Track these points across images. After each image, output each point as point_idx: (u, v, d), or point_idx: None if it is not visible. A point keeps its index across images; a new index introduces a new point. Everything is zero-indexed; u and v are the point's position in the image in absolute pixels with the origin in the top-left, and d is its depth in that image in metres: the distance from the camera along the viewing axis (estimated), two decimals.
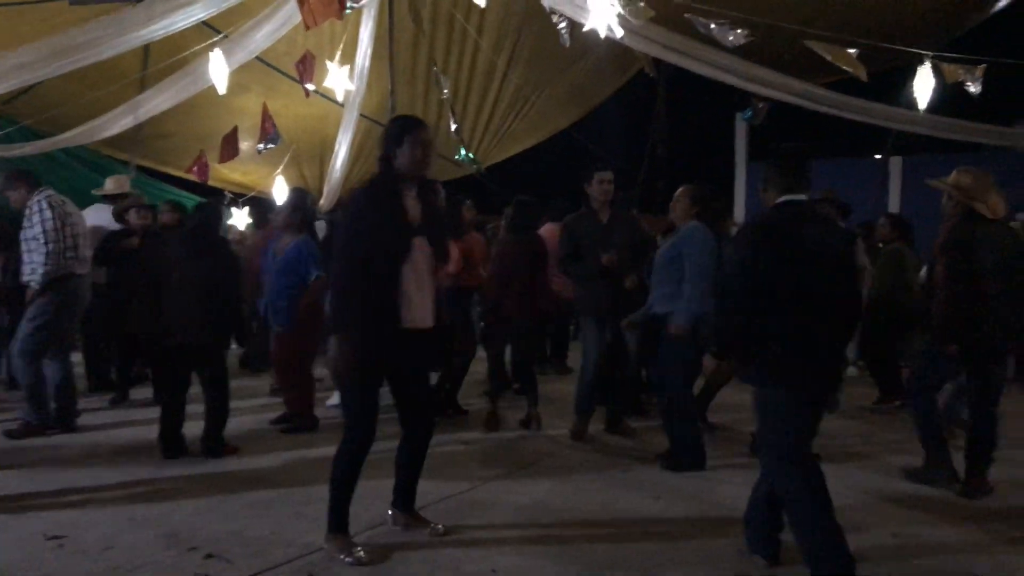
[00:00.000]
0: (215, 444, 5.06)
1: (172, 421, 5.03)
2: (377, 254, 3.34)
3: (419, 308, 3.45)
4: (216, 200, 6.04)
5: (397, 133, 3.52)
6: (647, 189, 11.00)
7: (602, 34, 7.52)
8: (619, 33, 7.35)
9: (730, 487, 4.40)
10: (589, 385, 5.50)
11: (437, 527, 3.74)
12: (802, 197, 3.26)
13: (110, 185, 7.19)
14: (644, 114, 11.62)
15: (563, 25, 8.04)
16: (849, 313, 3.29)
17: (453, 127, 10.32)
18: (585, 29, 7.74)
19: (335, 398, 6.36)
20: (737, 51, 7.42)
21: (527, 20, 9.58)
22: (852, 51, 6.42)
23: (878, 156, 11.97)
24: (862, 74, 6.69)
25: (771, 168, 3.34)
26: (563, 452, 5.27)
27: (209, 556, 3.44)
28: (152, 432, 5.10)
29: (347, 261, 3.37)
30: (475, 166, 11.18)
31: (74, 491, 4.31)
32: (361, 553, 3.41)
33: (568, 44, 8.23)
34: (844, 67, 6.54)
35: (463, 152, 10.95)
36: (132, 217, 6.61)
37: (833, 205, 6.38)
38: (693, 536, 3.77)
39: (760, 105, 10.06)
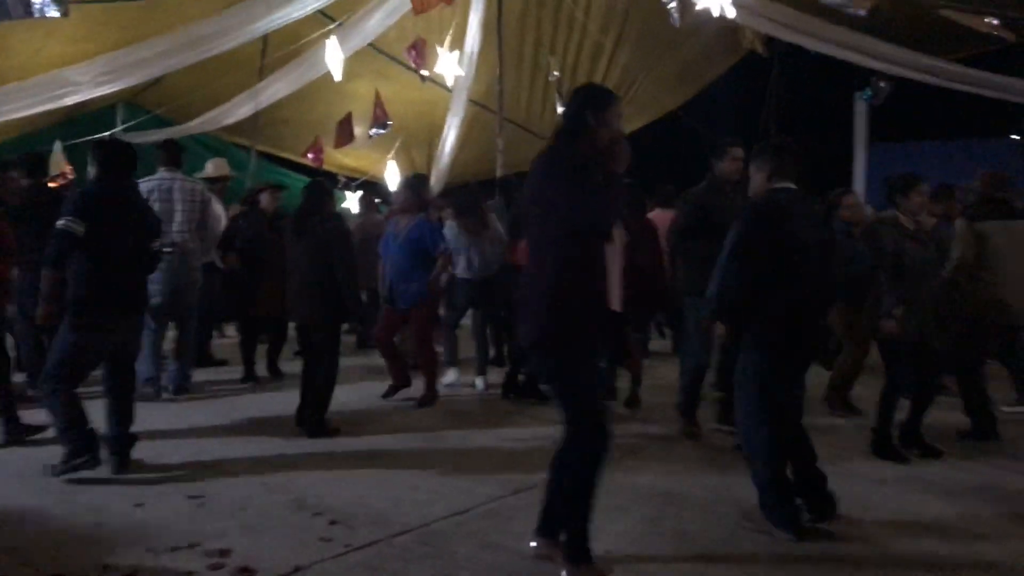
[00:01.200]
0: (317, 424, 5.08)
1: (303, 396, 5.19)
2: (595, 232, 3.03)
3: (615, 290, 3.14)
4: (323, 180, 6.13)
5: (595, 104, 3.08)
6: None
7: (715, 13, 7.35)
8: (731, 13, 7.16)
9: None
10: (693, 375, 5.14)
11: None
12: (791, 185, 3.65)
13: (210, 168, 7.46)
14: (756, 94, 11.26)
15: (673, 5, 7.90)
16: (828, 293, 3.83)
17: (560, 109, 10.28)
18: (697, 8, 7.58)
19: (451, 375, 6.50)
20: (859, 27, 7.11)
21: (635, 0, 9.45)
22: (994, 20, 5.99)
23: (1015, 137, 11.22)
24: (1009, 36, 6.23)
25: (769, 155, 3.72)
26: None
27: (333, 522, 3.58)
28: (276, 407, 5.32)
29: (569, 239, 2.97)
30: None
31: (210, 459, 4.57)
32: None
33: (679, 24, 8.08)
34: (992, 33, 6.08)
35: None
36: (264, 200, 6.86)
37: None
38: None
39: (881, 84, 9.61)
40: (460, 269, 6.39)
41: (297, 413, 5.21)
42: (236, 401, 6.05)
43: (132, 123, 10.11)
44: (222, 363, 7.33)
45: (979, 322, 5.08)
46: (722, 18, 7.23)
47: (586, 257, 2.98)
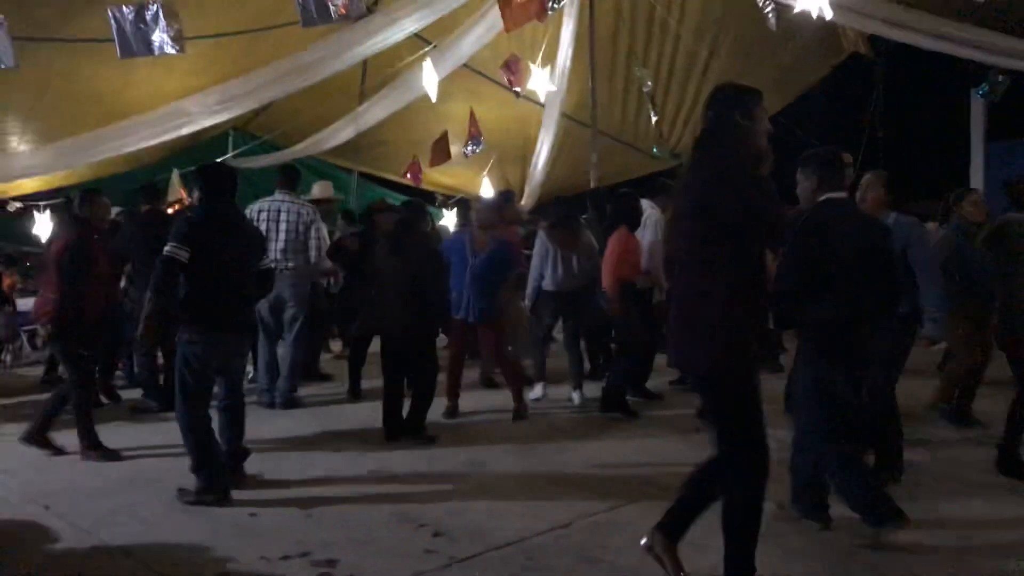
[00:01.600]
0: (418, 428, 5.32)
1: (391, 406, 5.38)
2: (778, 241, 3.03)
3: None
4: (420, 201, 6.32)
5: (743, 104, 2.89)
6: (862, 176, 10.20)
7: (814, 15, 7.13)
8: (829, 14, 6.92)
9: None
10: None
11: None
12: (840, 194, 3.63)
13: (316, 191, 7.79)
14: (858, 97, 10.81)
15: (770, 9, 7.71)
16: (882, 300, 3.64)
17: (654, 119, 10.21)
18: (795, 11, 7.38)
19: (538, 390, 6.50)
20: (972, 19, 6.74)
21: (729, 7, 9.28)
22: None
23: None
24: None
25: (815, 166, 3.68)
26: None
27: (436, 534, 3.64)
28: (378, 421, 5.46)
29: (740, 257, 2.81)
30: (672, 158, 10.99)
31: (317, 471, 4.75)
32: None
33: (776, 28, 7.87)
34: None
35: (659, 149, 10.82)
36: (380, 220, 6.97)
37: None
38: None
39: (999, 79, 9.08)
40: (546, 282, 6.42)
41: (385, 426, 5.35)
42: (339, 414, 6.25)
43: (242, 149, 10.66)
44: (327, 378, 7.58)
45: None
46: (821, 20, 6.99)
47: (754, 275, 2.86)
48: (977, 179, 11.42)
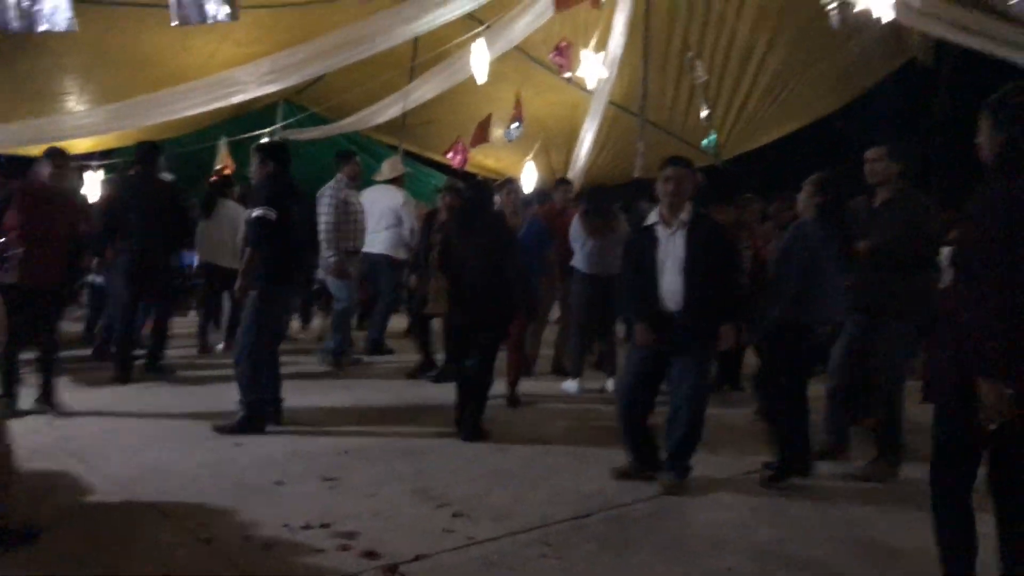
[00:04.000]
0: (475, 427, 4.98)
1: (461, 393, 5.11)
2: None
3: None
4: (485, 180, 6.28)
5: None
6: (921, 182, 9.93)
7: (876, 15, 6.95)
8: (889, 15, 6.72)
9: None
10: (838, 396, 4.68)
11: None
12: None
13: (386, 170, 7.79)
14: (921, 100, 10.51)
15: (834, 5, 7.53)
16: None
17: (705, 112, 10.04)
18: (857, 10, 7.20)
19: (570, 385, 6.44)
20: None
21: (789, 0, 9.07)
22: None
23: None
24: None
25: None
26: None
27: (456, 515, 3.65)
28: (423, 396, 5.47)
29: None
30: (716, 156, 10.81)
31: (349, 442, 4.80)
32: None
33: (838, 26, 7.69)
34: None
35: (712, 138, 10.62)
36: (442, 200, 6.76)
37: None
38: None
39: None
40: (580, 264, 6.36)
41: (457, 412, 5.08)
42: (390, 386, 6.40)
43: (290, 120, 10.75)
44: (390, 352, 7.67)
45: None
46: (882, 19, 6.80)
47: None
48: None
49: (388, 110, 9.92)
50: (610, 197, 6.70)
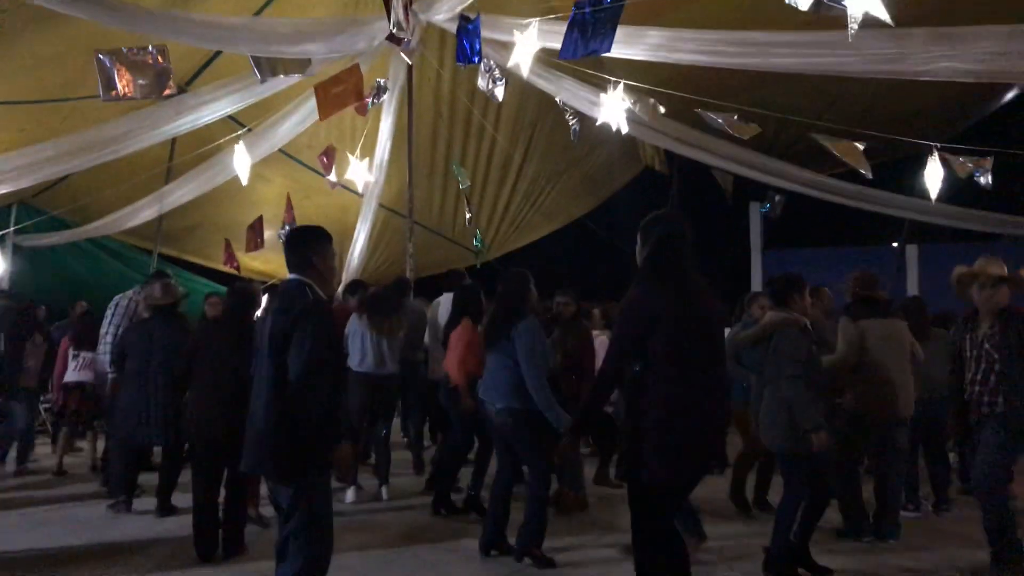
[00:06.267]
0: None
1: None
2: None
3: None
4: (247, 283, 5.99)
5: None
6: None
7: (613, 128, 7.72)
8: (625, 128, 7.50)
9: None
10: None
11: None
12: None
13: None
14: (658, 202, 11.79)
15: (574, 120, 8.25)
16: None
17: (468, 216, 10.50)
18: (597, 124, 7.97)
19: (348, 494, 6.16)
20: (751, 144, 7.56)
21: (541, 114, 9.87)
22: (860, 145, 6.47)
23: (895, 244, 12.05)
24: (866, 169, 6.74)
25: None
26: None
27: None
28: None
29: None
30: (479, 254, 11.38)
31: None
32: None
33: (577, 139, 8.44)
34: (849, 161, 6.60)
35: (479, 239, 11.14)
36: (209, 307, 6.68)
37: None
38: None
39: (777, 198, 10.21)
40: (354, 363, 6.14)
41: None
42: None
43: (26, 223, 9.80)
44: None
45: (860, 419, 5.10)
46: (620, 132, 7.55)
47: None
48: (757, 283, 12.64)
49: (142, 213, 9.35)
50: (390, 294, 6.68)
